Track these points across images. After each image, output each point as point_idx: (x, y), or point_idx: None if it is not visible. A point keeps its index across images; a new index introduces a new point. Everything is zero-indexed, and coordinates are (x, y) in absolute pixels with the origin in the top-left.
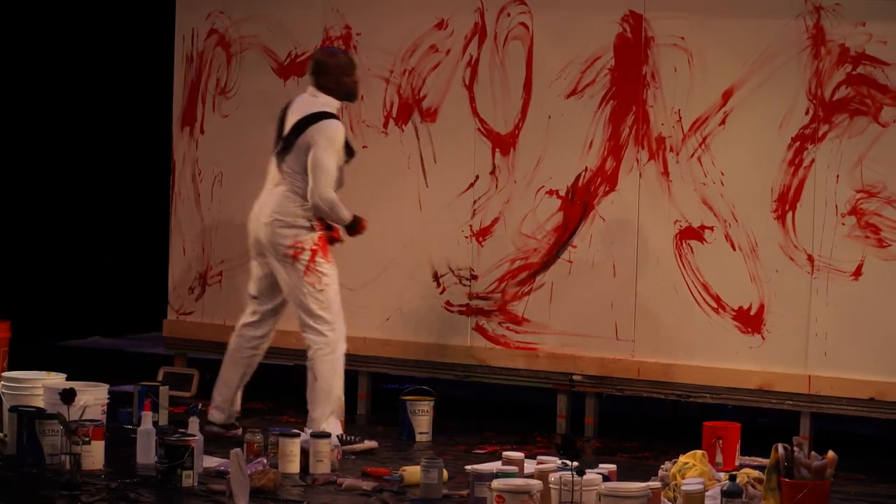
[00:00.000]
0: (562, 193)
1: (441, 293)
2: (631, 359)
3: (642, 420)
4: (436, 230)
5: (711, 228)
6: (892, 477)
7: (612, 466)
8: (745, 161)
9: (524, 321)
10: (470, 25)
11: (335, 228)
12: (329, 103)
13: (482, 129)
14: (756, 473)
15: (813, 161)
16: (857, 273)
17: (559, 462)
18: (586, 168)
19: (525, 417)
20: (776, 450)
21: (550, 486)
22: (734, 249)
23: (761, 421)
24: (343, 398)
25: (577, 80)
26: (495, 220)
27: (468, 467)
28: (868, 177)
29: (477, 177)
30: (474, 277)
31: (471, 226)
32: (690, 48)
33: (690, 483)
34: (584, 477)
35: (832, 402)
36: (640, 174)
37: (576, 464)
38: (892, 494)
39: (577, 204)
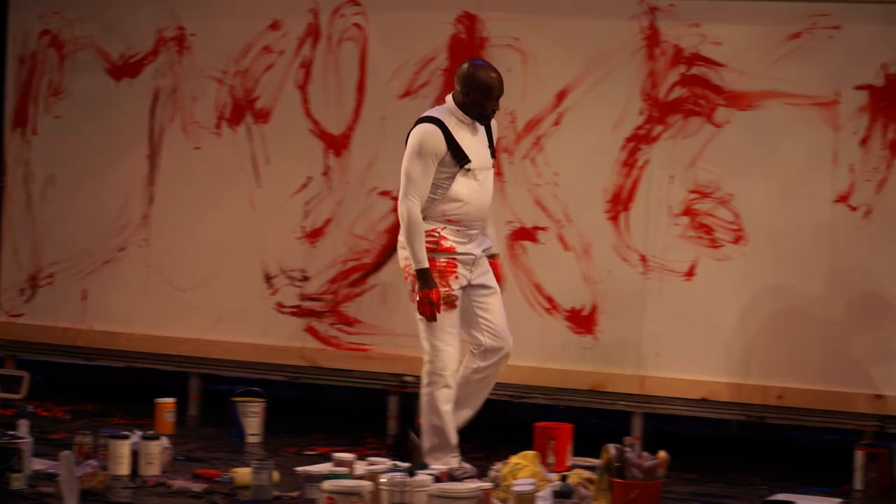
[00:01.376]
0: (395, 195)
1: (273, 294)
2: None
3: (475, 421)
4: (268, 231)
5: (544, 229)
6: (722, 476)
7: (444, 468)
8: (578, 162)
9: (356, 322)
10: (304, 26)
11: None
12: (444, 110)
13: (315, 130)
14: (588, 474)
15: (647, 161)
16: (690, 273)
17: (390, 463)
18: None
19: (356, 419)
20: (607, 450)
21: (381, 487)
22: (567, 250)
23: (593, 421)
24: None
25: (410, 80)
26: (328, 222)
27: (299, 469)
28: (702, 177)
29: (309, 178)
30: (306, 279)
31: (303, 227)
32: (525, 49)
33: (522, 484)
34: (415, 478)
35: (664, 402)
36: None
37: (407, 465)
38: (724, 494)
39: None
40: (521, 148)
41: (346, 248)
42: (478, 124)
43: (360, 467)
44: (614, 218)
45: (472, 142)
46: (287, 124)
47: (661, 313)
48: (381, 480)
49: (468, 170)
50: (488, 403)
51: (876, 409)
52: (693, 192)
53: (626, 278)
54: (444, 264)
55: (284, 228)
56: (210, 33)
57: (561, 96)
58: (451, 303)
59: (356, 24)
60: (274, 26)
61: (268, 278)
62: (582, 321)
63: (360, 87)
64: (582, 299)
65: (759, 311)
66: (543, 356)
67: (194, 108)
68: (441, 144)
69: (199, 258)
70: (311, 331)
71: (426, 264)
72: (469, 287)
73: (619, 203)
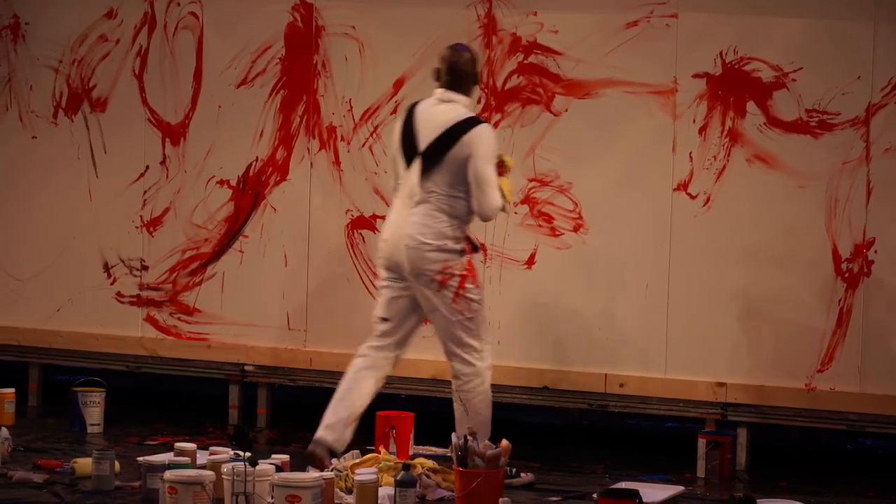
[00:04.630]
0: (233, 183)
1: (112, 284)
2: (303, 349)
3: (316, 410)
4: (106, 220)
5: (383, 217)
6: (563, 465)
7: (286, 457)
8: None
9: (196, 311)
10: (140, 15)
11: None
12: (470, 106)
13: (152, 119)
14: (430, 463)
15: None
16: (530, 262)
17: (231, 453)
18: (257, 158)
19: (198, 408)
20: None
21: (223, 476)
22: None
23: (435, 410)
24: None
25: (247, 69)
26: (166, 211)
27: (140, 459)
28: (540, 166)
29: (147, 167)
30: (145, 268)
31: (141, 216)
32: (361, 37)
33: (364, 473)
34: (257, 467)
35: (505, 391)
36: (312, 164)
37: (248, 454)
38: (564, 483)
39: (249, 194)
40: (359, 136)
41: (185, 237)
42: None
43: (202, 457)
44: None
45: None
46: (124, 113)
47: (501, 302)
48: (223, 470)
49: None
50: (327, 392)
51: (718, 397)
52: (532, 180)
53: None
54: (470, 266)
55: (123, 218)
56: (45, 22)
57: (398, 85)
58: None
59: (192, 13)
60: (109, 15)
61: (107, 268)
62: None
63: (197, 76)
64: None
65: (599, 299)
66: None
67: (31, 98)
68: None
69: (37, 248)
70: (150, 320)
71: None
72: None
73: None
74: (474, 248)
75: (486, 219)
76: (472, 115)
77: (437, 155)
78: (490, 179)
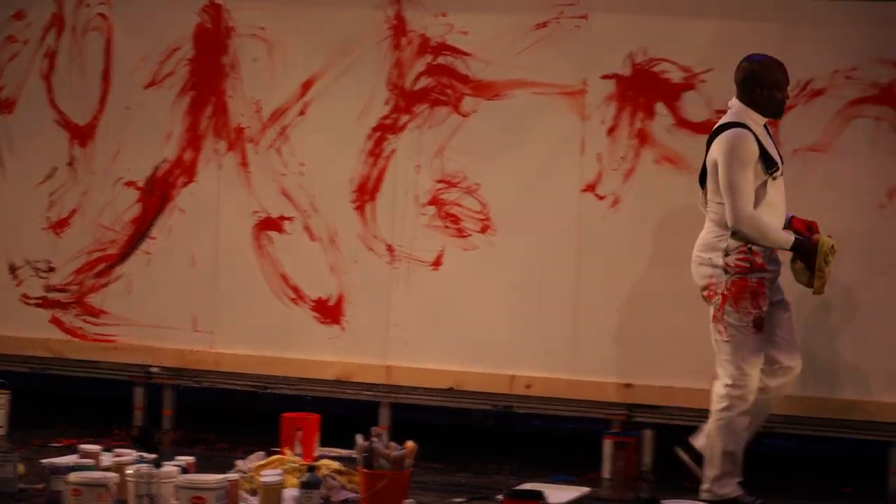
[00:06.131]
0: (140, 185)
1: (18, 285)
2: (209, 350)
3: (221, 412)
4: (13, 222)
5: (291, 219)
6: (467, 466)
7: (191, 458)
8: (324, 152)
9: (102, 313)
10: (48, 16)
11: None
12: (742, 114)
13: (60, 121)
14: (336, 465)
15: (393, 151)
16: (437, 263)
17: (136, 454)
18: (165, 159)
19: (103, 410)
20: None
21: (127, 478)
22: (313, 240)
23: (340, 412)
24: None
25: (156, 70)
26: (73, 212)
27: (45, 461)
28: (448, 167)
29: (54, 168)
30: (51, 269)
31: (48, 217)
32: (270, 38)
33: (269, 475)
34: (162, 469)
35: (411, 392)
36: (220, 165)
37: (153, 456)
38: (470, 483)
39: (156, 195)
40: (267, 138)
41: (92, 238)
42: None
43: (107, 459)
44: (360, 208)
45: (770, 144)
46: (32, 114)
47: (407, 303)
48: (128, 472)
49: (775, 177)
50: (233, 394)
51: (624, 398)
52: (440, 181)
53: (373, 268)
54: (756, 284)
55: (29, 219)
56: None
57: (307, 86)
58: (760, 326)
59: (101, 14)
60: (18, 16)
61: (12, 269)
62: (328, 311)
63: (106, 77)
64: (328, 289)
65: (507, 301)
66: (289, 346)
67: None
68: (756, 150)
69: None
70: (56, 322)
71: (791, 239)
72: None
73: (366, 193)
74: (753, 268)
75: (739, 234)
76: (735, 120)
77: (704, 161)
78: (735, 186)
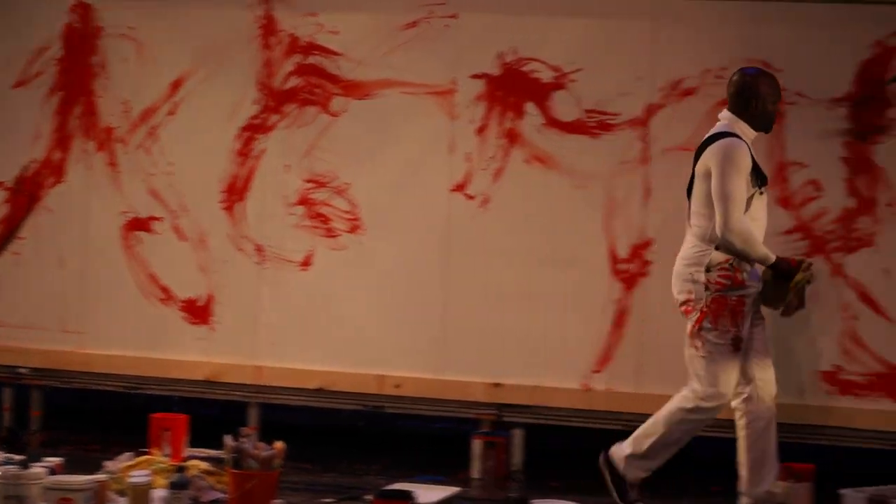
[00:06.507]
0: (9, 185)
1: None
2: (79, 351)
3: (91, 412)
4: None
5: (160, 219)
6: (336, 466)
7: (59, 459)
8: (194, 152)
9: None
10: None
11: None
12: (734, 125)
13: None
14: (204, 465)
15: (263, 151)
16: (306, 263)
17: (4, 455)
18: (34, 159)
19: None
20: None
21: None
22: (182, 240)
23: (209, 412)
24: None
25: (23, 70)
26: None
27: None
28: (318, 167)
29: None
30: None
31: None
32: (140, 38)
33: (137, 476)
34: (29, 470)
35: (279, 392)
36: (89, 165)
37: (21, 457)
38: (337, 483)
39: (25, 195)
40: (136, 137)
41: None
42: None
43: None
44: (230, 208)
45: (757, 159)
46: None
47: (276, 303)
48: None
49: (762, 192)
50: (102, 395)
51: (494, 398)
52: (309, 181)
53: (242, 268)
54: (735, 302)
55: None
56: None
57: (176, 86)
58: (738, 345)
59: None
60: None
61: None
62: (198, 311)
63: None
64: (198, 289)
65: (377, 301)
66: (158, 346)
67: None
68: (750, 162)
69: None
70: None
71: (773, 257)
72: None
73: (235, 193)
74: (733, 286)
75: (726, 243)
76: (729, 130)
77: (692, 172)
78: (728, 194)
